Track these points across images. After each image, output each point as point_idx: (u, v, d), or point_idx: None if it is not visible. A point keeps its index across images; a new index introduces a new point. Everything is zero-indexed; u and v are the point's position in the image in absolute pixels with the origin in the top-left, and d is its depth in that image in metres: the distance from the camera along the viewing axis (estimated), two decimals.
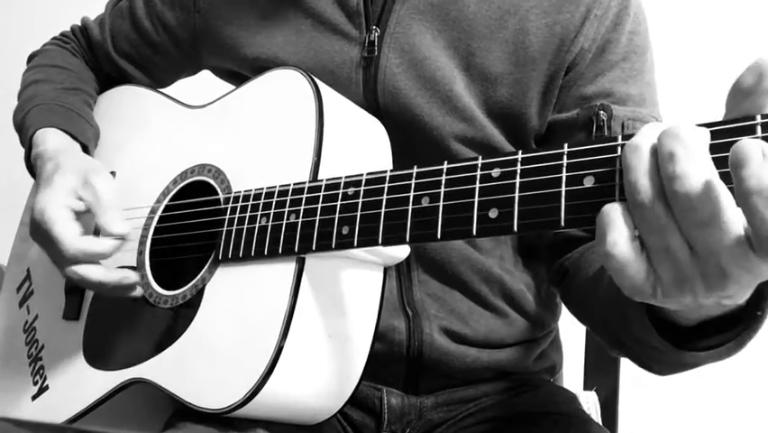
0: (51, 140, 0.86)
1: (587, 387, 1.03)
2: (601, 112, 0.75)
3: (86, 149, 0.90)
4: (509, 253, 0.84)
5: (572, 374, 1.00)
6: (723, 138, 0.41)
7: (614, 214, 0.42)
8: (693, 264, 0.40)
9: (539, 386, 0.87)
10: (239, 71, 0.89)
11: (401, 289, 0.81)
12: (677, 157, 0.39)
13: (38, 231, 0.77)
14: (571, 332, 0.96)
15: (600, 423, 0.94)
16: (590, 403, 0.98)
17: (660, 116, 0.79)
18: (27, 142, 0.90)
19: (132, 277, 0.76)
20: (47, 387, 0.85)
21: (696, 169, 0.39)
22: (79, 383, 0.81)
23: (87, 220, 0.80)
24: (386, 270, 0.74)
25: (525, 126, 0.79)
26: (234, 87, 0.83)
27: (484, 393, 0.85)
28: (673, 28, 1.52)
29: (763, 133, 0.40)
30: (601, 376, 1.02)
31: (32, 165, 0.87)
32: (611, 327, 0.63)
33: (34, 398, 0.86)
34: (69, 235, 0.74)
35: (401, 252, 0.72)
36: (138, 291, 0.77)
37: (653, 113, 0.77)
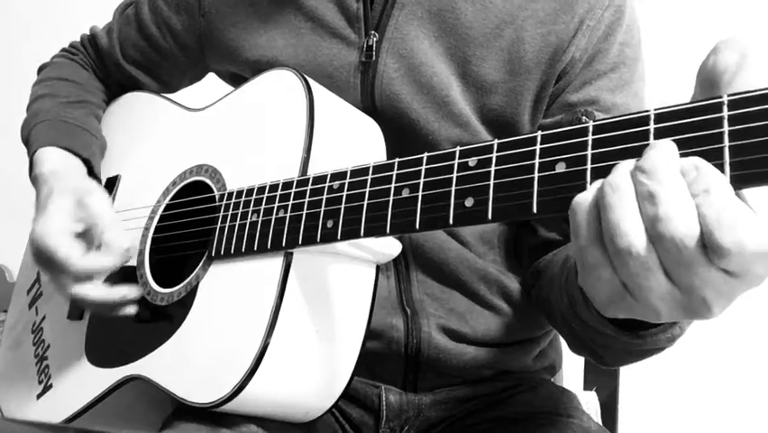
0: (49, 160, 0.87)
1: (587, 387, 1.02)
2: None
3: (88, 163, 0.91)
4: (504, 256, 0.84)
5: (572, 374, 1.00)
6: (689, 118, 0.41)
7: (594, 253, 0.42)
8: (674, 297, 0.40)
9: (538, 385, 0.86)
10: (241, 74, 0.90)
11: (400, 289, 0.81)
12: (658, 199, 0.38)
13: (41, 258, 0.78)
14: None
15: (600, 423, 0.93)
16: (590, 403, 0.97)
17: None
18: (29, 161, 0.91)
19: (133, 292, 0.78)
20: (51, 386, 0.87)
21: (678, 205, 0.38)
22: (80, 382, 0.82)
23: (86, 239, 0.80)
24: (379, 268, 0.74)
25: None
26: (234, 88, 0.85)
27: (483, 392, 0.84)
28: (670, 33, 1.52)
29: (729, 111, 0.40)
30: (601, 376, 1.01)
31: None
32: (564, 315, 0.63)
33: (39, 396, 0.88)
34: (74, 256, 0.76)
35: (392, 248, 0.72)
36: (134, 308, 0.80)
37: None
